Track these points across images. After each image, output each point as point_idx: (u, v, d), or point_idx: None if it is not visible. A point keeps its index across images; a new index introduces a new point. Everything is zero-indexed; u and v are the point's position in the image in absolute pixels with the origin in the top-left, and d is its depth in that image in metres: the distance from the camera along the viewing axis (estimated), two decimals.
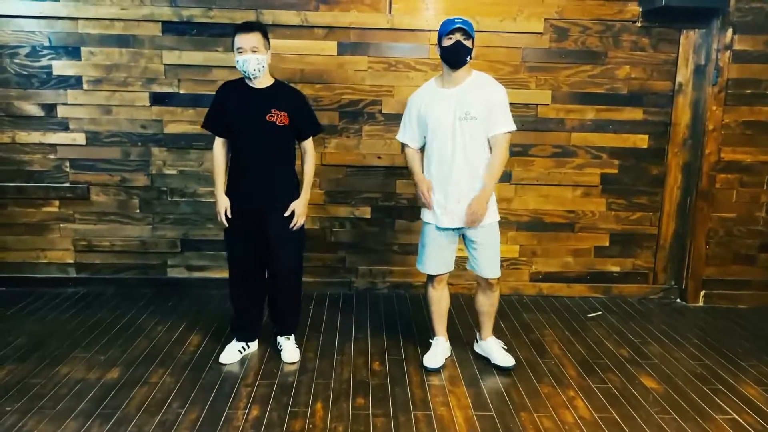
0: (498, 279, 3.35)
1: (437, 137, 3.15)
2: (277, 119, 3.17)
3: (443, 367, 3.38)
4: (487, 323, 3.46)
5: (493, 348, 3.44)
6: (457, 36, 2.99)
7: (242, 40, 3.07)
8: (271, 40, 4.15)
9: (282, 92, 3.25)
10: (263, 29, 3.16)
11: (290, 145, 3.32)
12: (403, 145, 3.36)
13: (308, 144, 3.35)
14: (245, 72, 3.11)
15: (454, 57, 3.03)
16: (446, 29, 3.00)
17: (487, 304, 3.41)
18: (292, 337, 3.51)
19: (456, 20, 3.01)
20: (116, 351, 3.49)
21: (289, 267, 3.38)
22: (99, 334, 3.71)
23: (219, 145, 3.30)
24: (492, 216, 3.23)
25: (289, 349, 3.45)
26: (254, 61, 3.08)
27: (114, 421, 2.77)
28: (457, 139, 3.10)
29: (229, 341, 3.50)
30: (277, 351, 3.50)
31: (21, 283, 4.42)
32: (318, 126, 3.44)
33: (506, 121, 3.14)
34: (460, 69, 3.07)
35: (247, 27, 3.12)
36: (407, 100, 3.33)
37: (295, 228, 3.28)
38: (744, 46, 4.25)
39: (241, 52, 3.07)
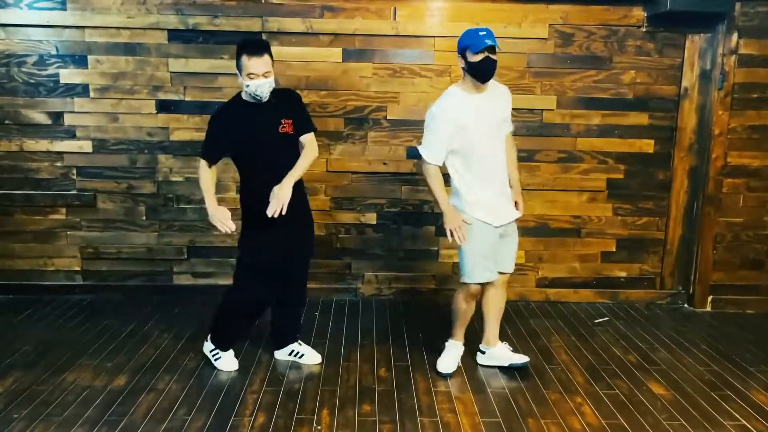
0: None
1: (480, 141, 3.11)
2: (288, 129, 3.10)
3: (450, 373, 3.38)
4: (496, 326, 3.45)
5: (505, 352, 3.45)
6: (486, 53, 2.98)
7: (255, 65, 2.92)
8: (276, 47, 4.21)
9: (282, 98, 3.13)
10: (270, 49, 3.03)
11: (299, 152, 3.20)
12: (424, 164, 3.15)
13: (308, 138, 3.19)
14: (257, 97, 3.00)
15: (485, 74, 3.05)
16: (476, 46, 2.96)
17: (501, 303, 3.44)
18: (295, 346, 3.57)
19: (484, 36, 2.97)
20: (123, 358, 3.49)
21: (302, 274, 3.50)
22: (106, 341, 3.72)
23: (206, 165, 3.13)
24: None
25: (310, 351, 3.55)
26: (267, 86, 2.98)
27: (120, 428, 2.77)
28: (496, 141, 3.21)
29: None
30: (282, 360, 3.50)
31: (28, 290, 4.44)
32: (311, 124, 3.25)
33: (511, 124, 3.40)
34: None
35: (257, 50, 2.96)
36: (431, 115, 3.13)
37: (271, 213, 2.95)
38: (749, 50, 4.24)
39: (252, 78, 2.94)
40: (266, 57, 2.97)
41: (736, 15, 4.17)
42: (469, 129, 3.08)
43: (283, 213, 2.95)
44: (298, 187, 3.14)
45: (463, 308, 3.36)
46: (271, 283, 3.25)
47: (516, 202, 3.37)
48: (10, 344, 3.64)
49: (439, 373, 3.36)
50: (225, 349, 3.43)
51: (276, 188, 2.97)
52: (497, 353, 3.45)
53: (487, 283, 3.31)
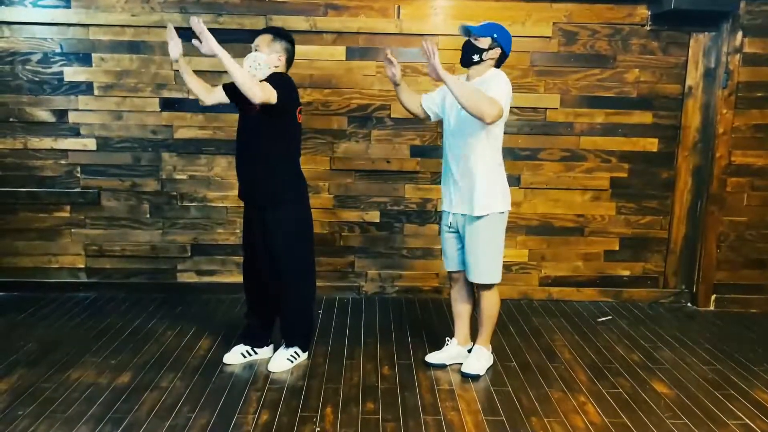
0: None
1: (446, 128, 3.32)
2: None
3: (450, 371, 3.38)
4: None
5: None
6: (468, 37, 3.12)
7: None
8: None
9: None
10: (275, 30, 3.24)
11: (269, 134, 3.14)
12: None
13: None
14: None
15: (461, 56, 3.16)
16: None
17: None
18: (292, 348, 3.46)
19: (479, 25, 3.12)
20: (127, 355, 3.50)
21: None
22: (109, 338, 3.73)
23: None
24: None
25: (275, 357, 3.44)
26: (251, 58, 3.11)
27: (125, 425, 2.78)
28: (456, 131, 3.19)
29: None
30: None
31: (32, 288, 4.45)
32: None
33: (494, 94, 2.96)
34: (473, 67, 3.14)
35: (263, 30, 3.28)
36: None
37: None
38: (754, 48, 4.24)
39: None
40: (265, 35, 3.19)
41: (740, 13, 4.16)
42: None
43: None
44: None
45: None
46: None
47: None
48: (14, 342, 3.65)
49: (467, 375, 3.31)
50: (243, 342, 3.50)
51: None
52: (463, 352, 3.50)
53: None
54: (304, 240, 3.34)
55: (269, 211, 3.21)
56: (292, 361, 3.39)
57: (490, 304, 3.31)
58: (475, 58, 3.09)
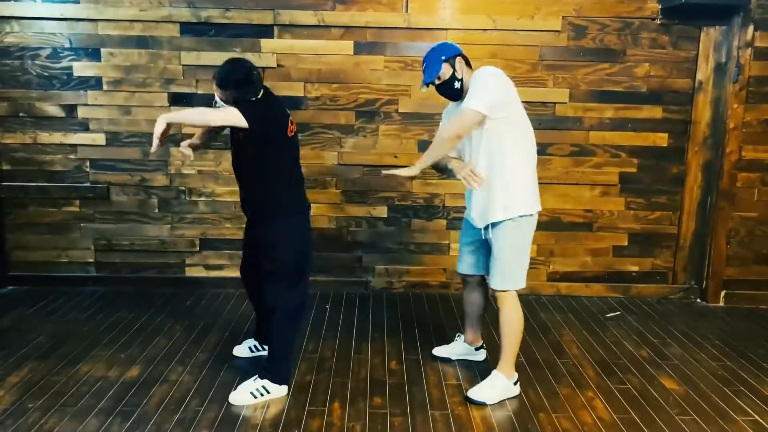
0: None
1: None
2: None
3: (458, 366, 3.38)
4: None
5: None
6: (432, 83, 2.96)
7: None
8: (288, 41, 4.23)
9: None
10: (217, 79, 2.87)
11: (255, 157, 2.91)
12: None
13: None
14: None
15: (449, 98, 3.05)
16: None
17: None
18: (251, 382, 3.05)
19: (424, 68, 2.96)
20: (136, 349, 3.52)
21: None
22: (119, 332, 3.75)
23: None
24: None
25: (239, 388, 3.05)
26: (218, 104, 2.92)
27: (134, 418, 2.79)
28: (466, 147, 3.03)
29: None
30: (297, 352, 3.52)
31: (42, 281, 4.48)
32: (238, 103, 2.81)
33: (469, 101, 2.81)
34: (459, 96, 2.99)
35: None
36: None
37: None
38: (765, 43, 4.19)
39: None
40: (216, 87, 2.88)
41: (752, 7, 4.12)
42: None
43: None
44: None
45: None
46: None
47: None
48: (24, 335, 3.68)
49: (470, 401, 3.02)
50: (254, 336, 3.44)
51: None
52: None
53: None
54: (291, 264, 2.99)
55: (257, 227, 3.07)
56: (255, 397, 2.98)
57: (506, 322, 3.03)
58: (456, 85, 2.93)
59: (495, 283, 3.03)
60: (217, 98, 2.90)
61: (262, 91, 2.91)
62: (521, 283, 3.03)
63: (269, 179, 2.94)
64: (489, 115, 2.80)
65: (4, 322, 3.88)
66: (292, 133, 2.98)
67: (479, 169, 2.93)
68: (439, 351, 3.46)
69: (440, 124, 3.19)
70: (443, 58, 2.92)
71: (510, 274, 3.00)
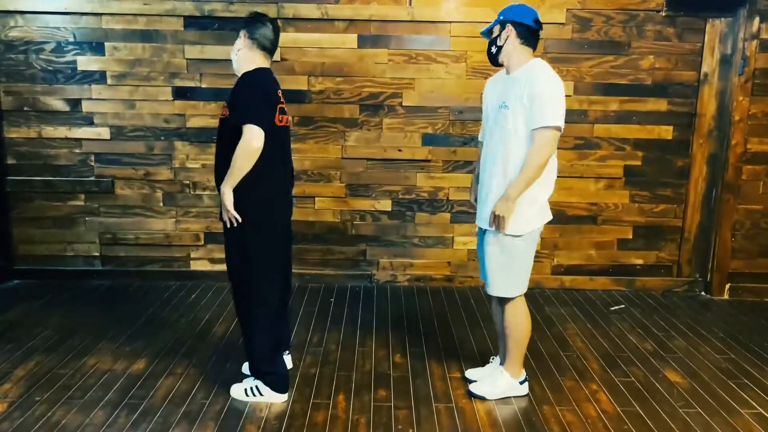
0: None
1: (486, 126, 2.95)
2: (225, 112, 2.78)
3: (463, 359, 3.38)
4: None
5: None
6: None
7: None
8: (291, 34, 4.21)
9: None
10: (243, 28, 2.86)
11: (232, 131, 2.70)
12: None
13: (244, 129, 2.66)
14: None
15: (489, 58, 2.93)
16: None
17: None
18: (250, 380, 2.99)
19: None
20: (141, 342, 3.54)
21: (231, 277, 3.00)
22: (125, 325, 3.77)
23: None
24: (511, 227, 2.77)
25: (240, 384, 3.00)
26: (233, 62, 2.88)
27: (140, 411, 2.81)
28: (495, 132, 2.80)
29: None
30: (297, 345, 3.53)
31: (48, 275, 4.50)
32: (239, 116, 2.65)
33: (542, 116, 2.62)
34: (502, 58, 2.84)
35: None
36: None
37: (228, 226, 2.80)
38: None
39: None
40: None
41: None
42: (484, 110, 2.99)
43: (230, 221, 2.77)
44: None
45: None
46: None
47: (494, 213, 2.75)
48: (31, 329, 3.70)
49: (471, 394, 3.01)
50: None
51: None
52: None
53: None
54: (252, 257, 2.86)
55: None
56: (247, 395, 2.93)
57: (509, 323, 2.92)
58: (493, 49, 2.86)
59: (489, 288, 2.91)
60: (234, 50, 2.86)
61: (264, 58, 2.85)
62: (516, 291, 2.87)
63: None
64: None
65: (10, 316, 3.90)
66: (282, 123, 2.83)
67: (493, 169, 2.80)
68: (471, 374, 3.17)
69: (482, 99, 3.01)
70: (501, 18, 2.83)
71: (501, 282, 2.85)
